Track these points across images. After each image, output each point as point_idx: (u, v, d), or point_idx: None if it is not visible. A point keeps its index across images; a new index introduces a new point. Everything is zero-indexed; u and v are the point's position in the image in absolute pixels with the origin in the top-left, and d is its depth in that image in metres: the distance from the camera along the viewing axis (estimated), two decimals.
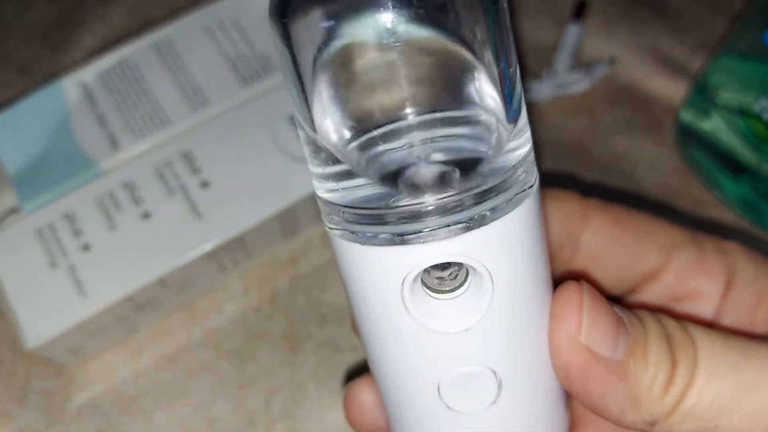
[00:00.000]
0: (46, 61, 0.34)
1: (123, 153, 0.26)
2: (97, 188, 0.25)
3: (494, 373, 0.15)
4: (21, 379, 0.27)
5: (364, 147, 0.14)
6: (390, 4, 0.13)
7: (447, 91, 0.14)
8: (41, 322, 0.23)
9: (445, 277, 0.14)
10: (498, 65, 0.14)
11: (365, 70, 0.13)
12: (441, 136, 0.14)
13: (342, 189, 0.14)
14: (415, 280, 0.14)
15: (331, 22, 0.13)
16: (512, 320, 0.15)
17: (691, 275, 0.19)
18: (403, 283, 0.14)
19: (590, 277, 0.20)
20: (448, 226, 0.13)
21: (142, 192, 0.25)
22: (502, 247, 0.14)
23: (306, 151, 0.15)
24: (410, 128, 0.13)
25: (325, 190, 0.15)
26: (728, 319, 0.19)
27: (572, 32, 0.34)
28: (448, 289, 0.14)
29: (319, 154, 0.14)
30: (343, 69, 0.14)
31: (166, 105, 0.26)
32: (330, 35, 0.13)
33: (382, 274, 0.14)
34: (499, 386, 0.15)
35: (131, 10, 0.35)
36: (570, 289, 0.15)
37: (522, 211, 0.14)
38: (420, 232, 0.14)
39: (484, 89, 0.14)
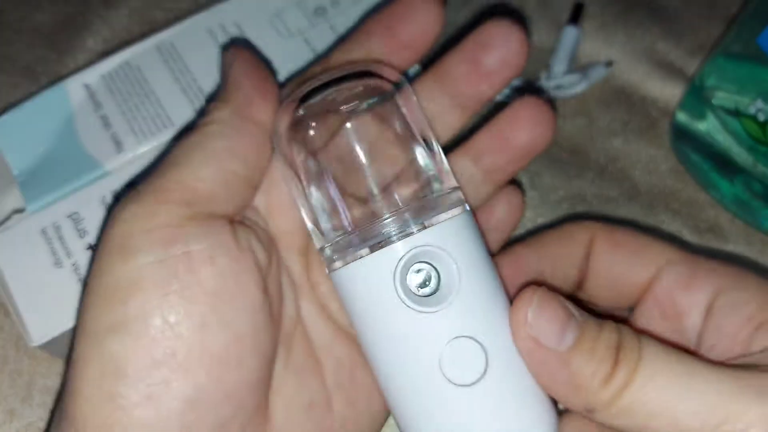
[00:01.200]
0: (50, 64, 0.34)
1: (127, 154, 0.26)
2: (101, 189, 0.25)
3: (479, 343, 0.18)
4: (26, 377, 0.27)
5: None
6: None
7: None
8: (46, 321, 0.24)
9: (421, 281, 0.19)
10: (427, 146, 0.21)
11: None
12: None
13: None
14: (402, 277, 0.19)
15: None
16: (481, 294, 0.19)
17: (678, 292, 0.20)
18: (395, 274, 0.19)
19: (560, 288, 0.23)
20: (410, 227, 0.19)
21: None
22: (454, 236, 0.19)
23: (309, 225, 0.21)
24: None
25: (318, 240, 0.21)
26: (711, 339, 0.20)
27: (569, 35, 0.35)
28: (428, 293, 0.19)
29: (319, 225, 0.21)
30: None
31: (168, 106, 0.27)
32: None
33: (376, 274, 0.19)
34: (486, 356, 0.18)
35: (134, 13, 0.36)
36: (527, 289, 0.19)
37: (459, 218, 0.19)
38: (390, 238, 0.19)
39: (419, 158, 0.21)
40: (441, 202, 0.20)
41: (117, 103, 0.27)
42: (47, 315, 0.24)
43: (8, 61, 0.34)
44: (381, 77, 0.21)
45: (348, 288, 0.20)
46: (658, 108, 0.34)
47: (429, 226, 0.19)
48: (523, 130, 0.23)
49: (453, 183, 0.21)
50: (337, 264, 0.20)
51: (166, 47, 0.28)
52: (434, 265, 0.19)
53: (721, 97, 0.30)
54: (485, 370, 0.18)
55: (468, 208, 0.20)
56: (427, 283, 0.19)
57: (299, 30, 0.28)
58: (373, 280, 0.19)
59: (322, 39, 0.28)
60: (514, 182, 0.26)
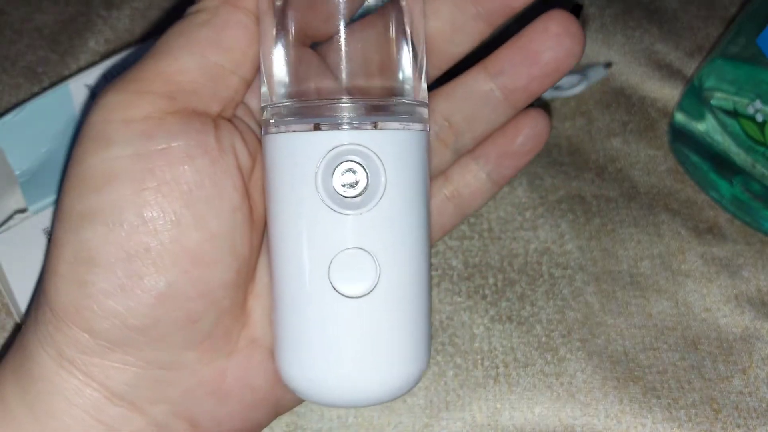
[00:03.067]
0: (52, 64, 0.34)
1: None
2: None
3: (375, 260, 0.18)
4: None
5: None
6: None
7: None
8: None
9: (349, 182, 0.18)
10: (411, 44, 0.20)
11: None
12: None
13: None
14: (326, 170, 0.18)
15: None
16: (398, 217, 0.18)
17: None
18: (320, 163, 0.18)
19: None
20: (358, 121, 0.18)
21: None
22: (396, 150, 0.18)
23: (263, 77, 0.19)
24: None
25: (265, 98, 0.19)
26: None
27: None
28: (351, 194, 0.18)
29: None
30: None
31: None
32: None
33: (304, 153, 0.18)
34: (378, 273, 0.18)
35: (136, 13, 0.36)
36: None
37: (414, 135, 0.19)
38: (337, 123, 0.18)
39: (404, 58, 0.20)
40: (402, 110, 0.19)
41: None
42: None
43: (10, 61, 0.34)
44: None
45: (272, 157, 0.19)
46: (657, 109, 0.34)
47: (377, 129, 0.18)
48: (551, 43, 0.21)
49: (423, 98, 0.20)
50: (272, 129, 0.19)
51: None
52: (366, 170, 0.18)
53: (720, 98, 0.30)
54: (373, 289, 0.18)
55: (427, 128, 0.20)
56: (353, 185, 0.18)
57: None
58: (298, 158, 0.18)
59: None
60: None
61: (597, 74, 0.34)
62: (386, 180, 0.18)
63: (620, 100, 0.34)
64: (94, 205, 0.18)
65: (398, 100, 0.19)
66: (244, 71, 0.19)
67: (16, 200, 0.26)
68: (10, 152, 0.26)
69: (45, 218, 0.25)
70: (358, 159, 0.18)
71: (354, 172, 0.18)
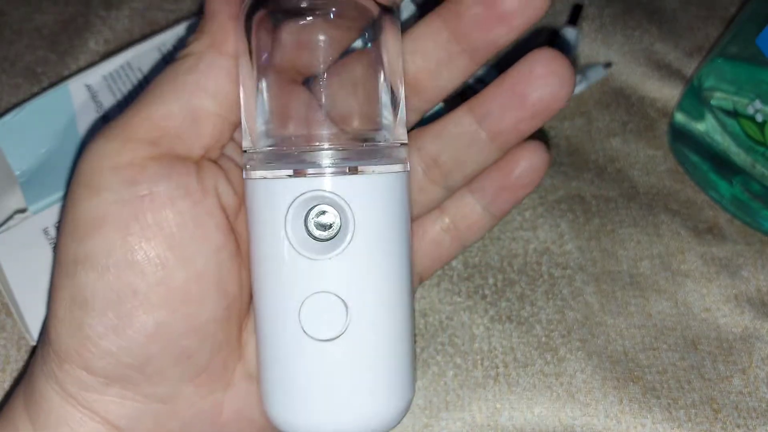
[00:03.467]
0: (51, 64, 0.34)
1: None
2: None
3: (345, 304, 0.18)
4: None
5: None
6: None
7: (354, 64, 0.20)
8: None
9: (322, 224, 0.18)
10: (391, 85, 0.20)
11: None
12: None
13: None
14: (296, 215, 0.18)
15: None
16: (367, 261, 0.18)
17: None
18: (288, 208, 0.18)
19: None
20: (331, 167, 0.18)
21: None
22: (367, 195, 0.18)
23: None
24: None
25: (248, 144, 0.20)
26: None
27: (568, 36, 0.35)
28: (324, 237, 0.18)
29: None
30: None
31: None
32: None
33: (276, 198, 0.18)
34: (348, 318, 0.18)
35: (135, 13, 0.36)
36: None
37: (388, 178, 0.19)
38: (306, 169, 0.18)
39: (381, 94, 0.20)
40: (378, 153, 0.19)
41: (119, 103, 0.27)
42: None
43: (9, 62, 0.34)
44: None
45: (248, 200, 0.19)
46: (656, 109, 0.34)
47: (350, 173, 0.18)
48: (537, 84, 0.20)
49: (403, 138, 0.20)
50: (248, 173, 0.19)
51: (168, 49, 0.28)
52: (339, 214, 0.18)
53: (720, 98, 0.30)
54: (343, 332, 0.18)
55: (407, 168, 0.20)
56: (327, 227, 0.18)
57: None
58: (268, 203, 0.19)
59: None
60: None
61: (596, 74, 0.34)
62: (355, 225, 0.18)
63: (620, 100, 0.34)
64: (85, 250, 0.19)
65: (373, 143, 0.19)
66: (228, 114, 0.20)
67: (16, 200, 0.26)
68: (9, 152, 0.26)
69: (45, 218, 0.25)
70: (327, 204, 0.18)
71: (326, 213, 0.18)
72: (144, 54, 0.28)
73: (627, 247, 0.30)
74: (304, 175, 0.18)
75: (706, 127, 0.31)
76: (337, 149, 0.18)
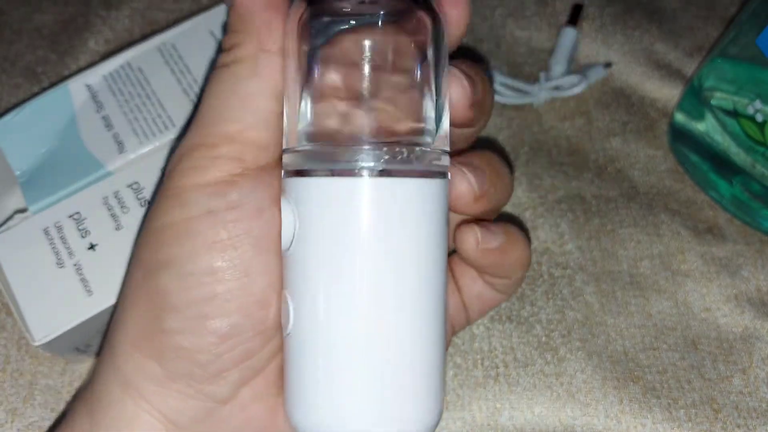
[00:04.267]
0: (51, 64, 0.34)
1: (129, 154, 0.26)
2: (103, 189, 0.26)
3: (289, 302, 0.19)
4: (27, 377, 0.27)
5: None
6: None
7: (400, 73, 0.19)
8: (47, 320, 0.24)
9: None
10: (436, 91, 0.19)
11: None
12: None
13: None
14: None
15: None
16: (308, 264, 0.18)
17: None
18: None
19: None
20: (368, 169, 0.18)
21: (147, 193, 0.25)
22: (403, 201, 0.18)
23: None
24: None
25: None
26: None
27: (568, 36, 0.35)
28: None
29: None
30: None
31: (170, 107, 0.27)
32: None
33: (335, 199, 0.18)
34: (293, 317, 0.19)
35: (136, 13, 0.36)
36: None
37: (427, 184, 0.18)
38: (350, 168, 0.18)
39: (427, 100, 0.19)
40: (422, 159, 0.19)
41: (119, 103, 0.27)
42: (49, 314, 0.24)
43: (9, 61, 0.34)
44: (426, 6, 0.19)
45: (302, 201, 0.19)
46: (656, 109, 0.34)
47: (390, 175, 0.18)
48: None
49: (444, 145, 0.20)
50: (291, 171, 0.19)
51: (168, 48, 0.28)
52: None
53: (720, 98, 0.30)
54: (291, 327, 0.19)
55: (448, 176, 0.20)
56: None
57: None
58: (328, 203, 0.18)
59: None
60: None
61: (597, 74, 0.34)
62: (297, 224, 0.19)
63: (620, 100, 0.34)
64: (169, 255, 0.19)
65: (414, 149, 0.19)
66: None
67: (16, 200, 0.26)
68: (9, 152, 0.26)
69: (45, 218, 0.25)
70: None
71: None
72: (144, 54, 0.28)
73: (627, 247, 0.31)
74: (342, 175, 0.18)
75: (706, 127, 0.31)
76: (376, 153, 0.18)
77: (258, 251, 0.19)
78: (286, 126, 0.20)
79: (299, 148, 0.19)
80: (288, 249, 0.19)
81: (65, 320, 0.24)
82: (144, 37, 0.28)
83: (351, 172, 0.18)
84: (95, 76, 0.27)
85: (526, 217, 0.31)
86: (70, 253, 0.25)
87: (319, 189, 0.18)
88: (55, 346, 0.24)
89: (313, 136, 0.19)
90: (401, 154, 0.18)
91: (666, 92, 0.35)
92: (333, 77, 0.20)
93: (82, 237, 0.25)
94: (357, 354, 0.18)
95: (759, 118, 0.28)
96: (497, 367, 0.28)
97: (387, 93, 0.19)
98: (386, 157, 0.18)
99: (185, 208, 0.19)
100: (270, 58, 0.19)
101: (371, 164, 0.18)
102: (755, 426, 0.27)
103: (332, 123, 0.19)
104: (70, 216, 0.25)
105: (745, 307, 0.29)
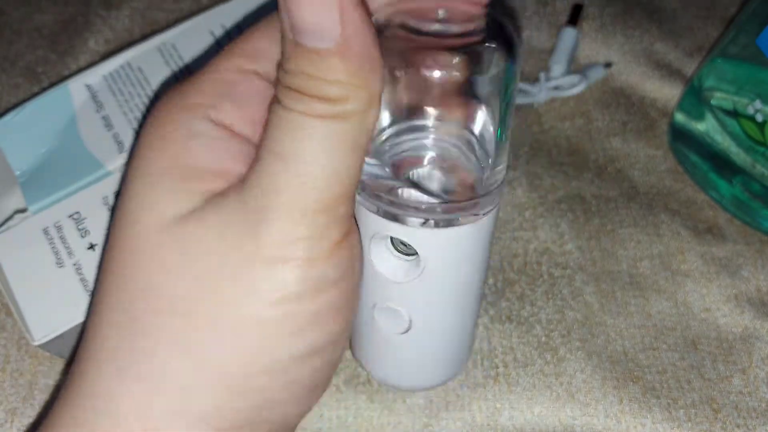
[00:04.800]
0: (51, 64, 0.34)
1: (128, 154, 0.26)
2: (103, 189, 0.26)
3: (408, 315, 0.22)
4: (27, 376, 0.27)
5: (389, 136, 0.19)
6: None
7: (464, 114, 0.19)
8: (47, 320, 0.24)
9: (405, 246, 0.20)
10: (501, 129, 0.19)
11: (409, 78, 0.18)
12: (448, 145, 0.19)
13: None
14: (381, 239, 0.20)
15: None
16: (430, 293, 0.21)
17: None
18: (372, 238, 0.20)
19: None
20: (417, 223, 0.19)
21: None
22: (438, 248, 0.20)
23: None
24: (428, 128, 0.19)
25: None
26: None
27: (568, 36, 0.35)
28: (404, 253, 0.21)
29: None
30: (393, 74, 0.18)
31: None
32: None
33: (363, 227, 0.20)
34: (410, 324, 0.22)
35: (136, 13, 0.36)
36: None
37: (474, 227, 0.20)
38: (396, 213, 0.19)
39: (485, 136, 0.19)
40: (471, 206, 0.19)
41: (119, 103, 0.27)
42: (49, 314, 0.24)
43: (9, 61, 0.34)
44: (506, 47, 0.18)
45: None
46: (656, 108, 0.34)
47: (438, 227, 0.19)
48: None
49: (500, 177, 0.19)
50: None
51: (168, 48, 0.28)
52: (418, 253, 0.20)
53: (720, 98, 0.30)
54: (406, 332, 0.22)
55: (498, 205, 0.20)
56: (407, 253, 0.21)
57: None
58: (362, 230, 0.20)
59: None
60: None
61: (597, 74, 0.34)
62: (426, 266, 0.20)
63: (620, 100, 0.34)
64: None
65: (467, 202, 0.19)
66: None
67: (16, 200, 0.26)
68: (9, 152, 0.26)
69: (45, 218, 0.25)
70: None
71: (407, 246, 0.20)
72: (144, 54, 0.28)
73: (627, 247, 0.31)
74: (389, 218, 0.19)
75: (706, 126, 0.31)
76: (426, 215, 0.19)
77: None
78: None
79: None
80: (405, 275, 0.21)
81: (65, 320, 0.24)
82: (144, 37, 0.28)
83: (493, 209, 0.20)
84: (95, 76, 0.27)
85: (526, 217, 0.31)
86: (70, 253, 0.25)
87: (454, 236, 0.20)
88: (55, 345, 0.24)
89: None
90: (469, 208, 0.19)
91: (666, 92, 0.35)
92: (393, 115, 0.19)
93: (82, 237, 0.25)
94: (458, 345, 0.24)
95: (759, 118, 0.28)
96: (497, 367, 0.28)
97: (446, 168, 0.19)
98: (457, 212, 0.19)
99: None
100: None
101: (445, 217, 0.19)
102: (755, 426, 0.27)
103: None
104: (70, 216, 0.25)
105: (745, 307, 0.29)
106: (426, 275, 0.20)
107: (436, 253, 0.20)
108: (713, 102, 0.30)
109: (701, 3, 0.37)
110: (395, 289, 0.21)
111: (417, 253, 0.20)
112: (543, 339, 0.28)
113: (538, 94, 0.33)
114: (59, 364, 0.28)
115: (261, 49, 0.19)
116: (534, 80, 0.35)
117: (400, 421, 0.27)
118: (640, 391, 0.27)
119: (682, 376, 0.28)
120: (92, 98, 0.27)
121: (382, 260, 0.21)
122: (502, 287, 0.29)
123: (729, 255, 0.30)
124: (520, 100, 0.33)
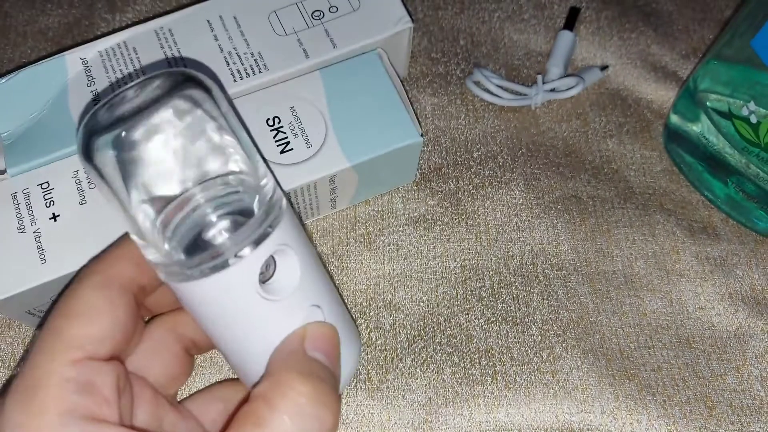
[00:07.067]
0: None
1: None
2: (75, 163, 0.26)
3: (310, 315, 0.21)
4: None
5: (165, 224, 0.19)
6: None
7: (210, 164, 0.20)
8: (1, 282, 0.24)
9: (264, 272, 0.20)
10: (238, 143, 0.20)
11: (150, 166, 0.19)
12: (217, 197, 0.20)
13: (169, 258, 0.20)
14: (249, 286, 0.20)
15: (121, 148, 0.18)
16: (316, 277, 0.21)
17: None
18: (256, 278, 0.19)
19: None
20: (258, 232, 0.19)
21: None
22: (292, 235, 0.20)
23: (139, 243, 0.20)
24: (194, 195, 0.19)
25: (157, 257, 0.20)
26: None
27: (565, 39, 0.35)
28: (264, 280, 0.21)
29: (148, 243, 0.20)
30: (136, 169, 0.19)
31: None
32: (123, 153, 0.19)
33: (240, 283, 0.19)
34: (324, 317, 0.21)
35: (139, 16, 0.36)
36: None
37: (287, 214, 0.21)
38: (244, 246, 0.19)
39: (235, 160, 0.20)
40: (273, 201, 0.20)
41: (109, 80, 0.27)
42: (3, 277, 0.24)
43: (14, 64, 0.34)
44: (191, 83, 0.19)
45: (203, 298, 0.20)
46: (652, 110, 0.34)
47: (274, 228, 0.20)
48: None
49: (271, 180, 0.21)
50: (185, 277, 0.19)
51: (164, 32, 0.28)
52: (275, 258, 0.21)
53: (715, 100, 0.30)
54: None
55: (287, 204, 0.21)
56: (268, 274, 0.21)
57: (294, 29, 0.29)
58: (237, 289, 0.19)
59: (315, 41, 0.29)
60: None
61: (593, 76, 0.35)
62: (300, 260, 0.21)
63: (616, 101, 0.35)
64: None
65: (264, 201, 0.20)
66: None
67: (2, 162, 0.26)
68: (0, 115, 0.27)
69: (16, 183, 0.25)
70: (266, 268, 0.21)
71: (269, 265, 0.21)
72: (141, 34, 0.28)
73: (622, 247, 0.31)
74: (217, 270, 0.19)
75: (701, 128, 0.31)
76: (234, 241, 0.19)
77: None
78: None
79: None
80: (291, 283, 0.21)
81: (15, 284, 0.24)
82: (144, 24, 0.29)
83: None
84: (92, 50, 0.28)
85: (523, 218, 0.31)
86: (32, 221, 0.25)
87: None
88: (6, 307, 0.25)
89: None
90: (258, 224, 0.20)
91: (661, 94, 0.35)
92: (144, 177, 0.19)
93: (47, 206, 0.25)
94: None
95: (753, 119, 0.28)
96: (495, 366, 0.28)
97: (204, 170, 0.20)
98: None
99: None
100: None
101: (256, 235, 0.20)
102: (749, 422, 0.27)
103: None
104: (39, 185, 0.26)
105: (739, 306, 0.29)
106: (283, 274, 0.21)
107: (292, 240, 0.20)
108: (708, 104, 0.30)
109: (697, 6, 0.38)
110: (282, 308, 0.21)
111: (272, 272, 0.21)
112: (539, 338, 0.28)
113: (536, 96, 0.34)
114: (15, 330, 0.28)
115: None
116: (531, 83, 0.35)
117: (400, 417, 0.27)
118: (635, 388, 0.27)
119: (677, 374, 0.28)
120: (86, 72, 0.28)
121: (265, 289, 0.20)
122: (498, 289, 0.30)
123: (723, 254, 0.31)
124: (517, 102, 0.34)
